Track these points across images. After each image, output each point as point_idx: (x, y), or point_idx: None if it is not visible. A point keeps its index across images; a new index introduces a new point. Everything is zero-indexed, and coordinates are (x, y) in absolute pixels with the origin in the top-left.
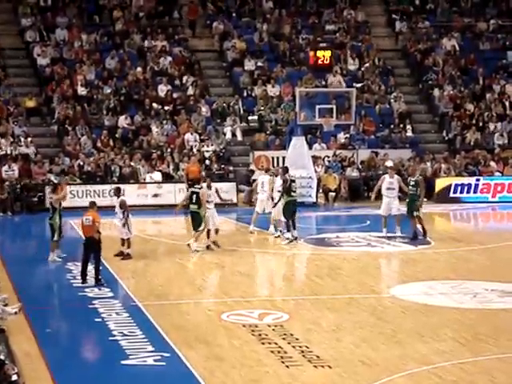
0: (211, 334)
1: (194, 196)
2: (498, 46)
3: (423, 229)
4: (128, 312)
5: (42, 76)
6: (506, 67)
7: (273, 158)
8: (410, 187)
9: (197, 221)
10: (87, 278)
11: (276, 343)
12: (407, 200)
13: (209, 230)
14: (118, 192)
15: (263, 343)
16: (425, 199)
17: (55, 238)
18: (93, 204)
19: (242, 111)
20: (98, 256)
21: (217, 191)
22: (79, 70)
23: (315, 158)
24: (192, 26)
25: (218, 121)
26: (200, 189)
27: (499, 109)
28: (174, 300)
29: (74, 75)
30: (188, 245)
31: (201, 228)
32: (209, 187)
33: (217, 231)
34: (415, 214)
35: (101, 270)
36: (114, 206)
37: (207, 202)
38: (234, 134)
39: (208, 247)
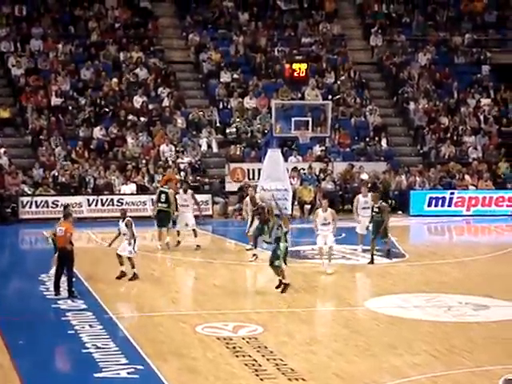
0: (185, 347)
1: (163, 195)
2: (473, 60)
3: (372, 256)
4: (101, 324)
5: (16, 86)
6: (481, 81)
7: (248, 170)
8: (374, 213)
9: (164, 220)
10: (60, 289)
11: (250, 356)
12: (372, 224)
13: (178, 232)
14: (124, 214)
15: (237, 356)
16: (400, 212)
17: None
18: (67, 215)
19: (218, 123)
20: (71, 267)
21: (193, 196)
22: (54, 80)
23: (294, 170)
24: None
25: (194, 132)
26: (169, 189)
27: (474, 122)
28: (149, 312)
29: (48, 86)
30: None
31: (168, 226)
32: (185, 191)
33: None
34: (384, 240)
35: (74, 282)
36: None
37: (182, 205)
38: (209, 146)
39: (178, 243)
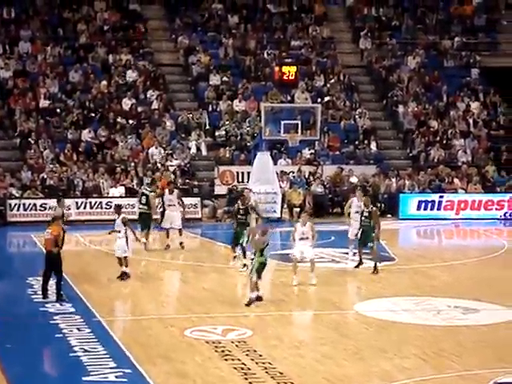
0: (174, 350)
1: (144, 197)
2: (462, 64)
3: (360, 260)
4: (90, 328)
5: (4, 89)
6: (470, 85)
7: (238, 173)
8: (364, 218)
9: (145, 222)
10: (48, 293)
11: (239, 359)
12: (360, 232)
13: (168, 231)
14: (118, 209)
15: (226, 359)
16: (389, 216)
17: None
18: (57, 218)
19: (207, 125)
20: (59, 271)
21: (179, 197)
22: (42, 83)
23: (282, 174)
24: None
25: (183, 135)
26: (150, 192)
27: (463, 126)
28: (137, 316)
29: (37, 88)
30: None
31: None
32: (171, 192)
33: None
34: (369, 244)
35: (62, 285)
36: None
37: (169, 205)
38: (198, 149)
39: (167, 247)
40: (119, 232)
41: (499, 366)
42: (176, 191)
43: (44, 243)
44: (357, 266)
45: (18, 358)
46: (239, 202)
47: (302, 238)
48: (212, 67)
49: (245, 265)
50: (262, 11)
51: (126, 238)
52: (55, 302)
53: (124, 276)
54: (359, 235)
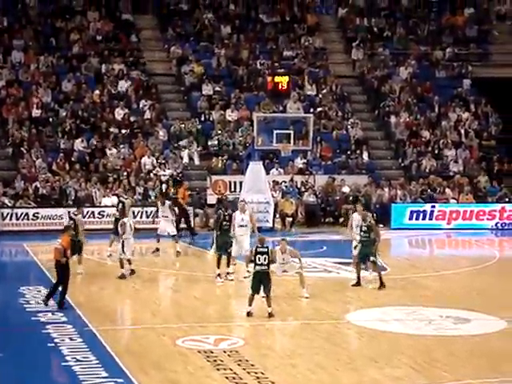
0: (166, 360)
1: (120, 205)
2: (454, 74)
3: (358, 279)
4: (82, 337)
5: None
6: (462, 95)
7: (230, 183)
8: (362, 233)
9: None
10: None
11: (231, 369)
12: (359, 246)
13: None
14: (122, 213)
15: (218, 369)
16: (381, 225)
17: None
18: (67, 228)
19: (200, 135)
20: (65, 280)
21: (170, 207)
22: (35, 92)
23: (274, 183)
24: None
25: (176, 145)
26: (126, 199)
27: (454, 136)
28: (129, 325)
29: (29, 98)
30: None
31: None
32: (163, 204)
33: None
34: (372, 259)
35: (54, 294)
36: None
37: (163, 216)
38: (191, 158)
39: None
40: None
41: (491, 376)
42: (167, 202)
43: (53, 252)
44: (355, 285)
45: (10, 368)
46: (223, 208)
47: (282, 263)
48: (204, 77)
49: (228, 273)
50: (254, 21)
51: (124, 241)
52: (48, 311)
53: (134, 273)
54: (358, 250)
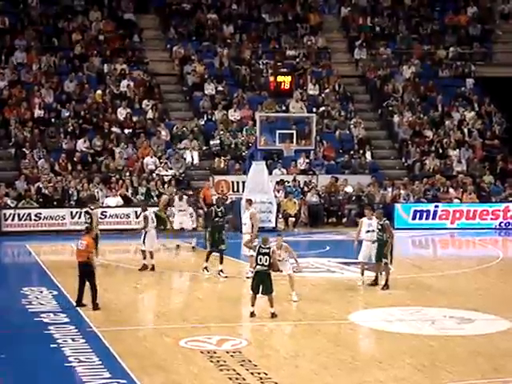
0: (169, 361)
1: (89, 216)
2: (457, 74)
3: (385, 281)
4: (84, 338)
5: None
6: (465, 94)
7: (233, 183)
8: (377, 231)
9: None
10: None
11: (234, 370)
12: (375, 245)
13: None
14: (144, 207)
15: (221, 370)
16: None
17: None
18: (89, 229)
19: (202, 135)
20: (93, 281)
21: (188, 201)
22: (37, 92)
23: (277, 183)
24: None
25: (179, 146)
26: (92, 210)
27: (458, 136)
28: (132, 326)
29: (31, 98)
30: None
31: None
32: (180, 198)
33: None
34: (384, 260)
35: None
36: (72, 231)
37: (180, 211)
38: (193, 159)
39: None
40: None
41: (495, 376)
42: (185, 197)
43: (76, 254)
44: (372, 284)
45: (13, 369)
46: (216, 204)
47: (368, 231)
48: (207, 77)
49: (221, 270)
50: (256, 21)
51: (146, 233)
52: (50, 312)
53: (146, 268)
54: (375, 249)
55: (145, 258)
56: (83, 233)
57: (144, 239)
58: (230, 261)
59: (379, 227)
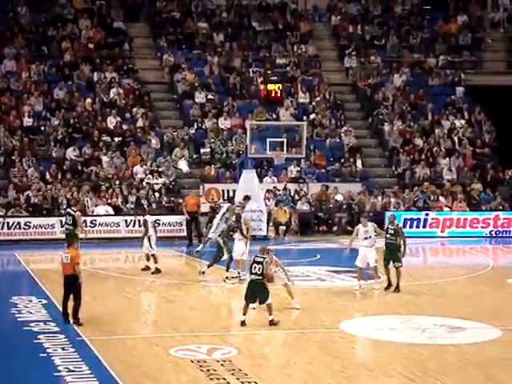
0: (159, 370)
1: (70, 217)
2: (447, 82)
3: (397, 284)
4: (74, 347)
5: None
6: (455, 103)
7: (223, 191)
8: (389, 235)
9: (69, 240)
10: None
11: (225, 379)
12: (384, 249)
13: (147, 255)
14: (143, 211)
15: (212, 379)
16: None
17: None
18: (72, 242)
19: (192, 143)
20: (78, 294)
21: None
22: (27, 101)
23: (268, 191)
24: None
25: (169, 155)
26: (75, 212)
27: (448, 144)
28: (122, 335)
29: (21, 106)
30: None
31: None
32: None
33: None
34: (398, 264)
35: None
36: (62, 239)
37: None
38: (184, 167)
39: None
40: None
41: None
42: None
43: (62, 267)
44: (387, 288)
45: (2, 378)
46: (233, 219)
47: (365, 238)
48: (197, 85)
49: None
50: (247, 29)
51: (146, 236)
52: (41, 321)
53: (148, 269)
54: (383, 252)
55: (156, 262)
56: (66, 246)
57: (150, 244)
58: (221, 270)
59: (391, 232)
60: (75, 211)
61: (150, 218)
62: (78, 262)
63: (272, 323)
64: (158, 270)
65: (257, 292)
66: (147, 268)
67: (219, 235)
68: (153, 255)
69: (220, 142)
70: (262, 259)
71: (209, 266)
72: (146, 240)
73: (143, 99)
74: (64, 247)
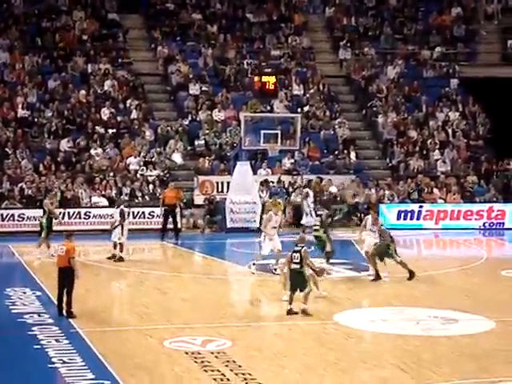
0: (153, 362)
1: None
2: (442, 74)
3: (408, 272)
4: (68, 339)
5: None
6: (450, 95)
7: (217, 183)
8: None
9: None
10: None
11: (219, 370)
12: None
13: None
14: (120, 202)
15: (206, 371)
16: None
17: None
18: (69, 235)
19: (186, 135)
20: (71, 288)
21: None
22: (20, 92)
23: (262, 183)
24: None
25: (162, 147)
26: (45, 201)
27: (442, 136)
28: (116, 326)
29: (14, 98)
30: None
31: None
32: (117, 207)
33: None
34: (393, 260)
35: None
36: (56, 231)
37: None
38: (178, 159)
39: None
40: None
41: (479, 376)
42: (121, 207)
43: (57, 259)
44: (375, 280)
45: None
46: (326, 210)
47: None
48: (191, 77)
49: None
50: (241, 21)
51: (121, 225)
52: (35, 313)
53: (114, 258)
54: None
55: (122, 251)
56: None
57: (122, 232)
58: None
59: (379, 233)
60: (45, 202)
61: (125, 209)
62: (73, 256)
63: (304, 312)
64: (121, 259)
65: (297, 281)
66: (113, 256)
67: (316, 229)
68: (120, 244)
69: (214, 133)
70: (300, 248)
71: (328, 262)
72: (118, 229)
73: (137, 91)
74: (58, 239)
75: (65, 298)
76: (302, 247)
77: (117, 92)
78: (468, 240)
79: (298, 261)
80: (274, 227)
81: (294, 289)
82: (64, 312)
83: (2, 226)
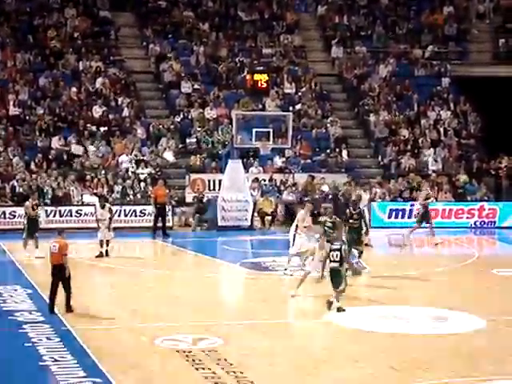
0: (144, 359)
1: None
2: (433, 73)
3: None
4: (59, 337)
5: None
6: (441, 94)
7: (209, 181)
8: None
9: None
10: (55, 307)
11: (210, 369)
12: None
13: (101, 241)
14: (105, 200)
15: (197, 369)
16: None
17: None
18: (61, 231)
19: (178, 133)
20: (68, 284)
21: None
22: (12, 89)
23: (254, 182)
24: None
25: (154, 143)
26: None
27: (434, 135)
28: (107, 324)
29: (6, 95)
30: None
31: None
32: (102, 207)
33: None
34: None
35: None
36: (48, 229)
37: (99, 220)
38: (169, 157)
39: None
40: (104, 220)
41: (471, 374)
42: (108, 205)
43: (50, 257)
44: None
45: None
46: (351, 207)
47: None
48: (183, 75)
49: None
50: (233, 19)
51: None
52: (26, 311)
53: (102, 256)
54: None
55: (107, 247)
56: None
57: (109, 230)
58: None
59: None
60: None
61: (112, 207)
62: (66, 254)
63: (340, 310)
64: (101, 254)
65: (334, 279)
66: (101, 255)
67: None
68: (107, 241)
69: (206, 132)
70: (338, 246)
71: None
72: (104, 227)
73: (129, 89)
74: (50, 236)
75: (64, 295)
76: (341, 245)
77: (108, 90)
78: (459, 238)
79: (337, 259)
80: (305, 227)
81: (335, 287)
82: (56, 309)
83: None
